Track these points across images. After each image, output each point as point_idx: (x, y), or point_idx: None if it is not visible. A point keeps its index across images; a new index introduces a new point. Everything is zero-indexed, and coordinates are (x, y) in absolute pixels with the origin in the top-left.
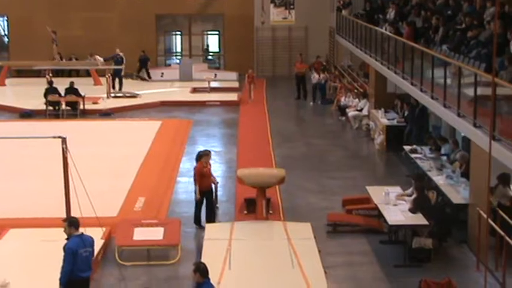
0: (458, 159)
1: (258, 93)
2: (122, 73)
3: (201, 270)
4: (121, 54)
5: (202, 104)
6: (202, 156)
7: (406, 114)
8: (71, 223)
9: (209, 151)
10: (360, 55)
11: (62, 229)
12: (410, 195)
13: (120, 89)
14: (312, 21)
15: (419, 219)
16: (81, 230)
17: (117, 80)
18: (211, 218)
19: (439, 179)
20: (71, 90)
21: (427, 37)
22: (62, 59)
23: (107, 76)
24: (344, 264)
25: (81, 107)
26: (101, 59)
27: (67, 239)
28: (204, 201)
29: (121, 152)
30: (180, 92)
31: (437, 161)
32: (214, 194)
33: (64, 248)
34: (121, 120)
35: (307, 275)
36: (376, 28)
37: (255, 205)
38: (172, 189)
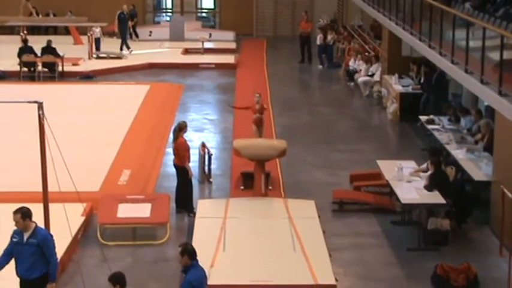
0: (481, 128)
1: (257, 55)
2: (129, 31)
3: (189, 251)
4: (127, 10)
5: (195, 67)
6: (183, 128)
7: (422, 81)
8: (26, 214)
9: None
10: (372, 14)
11: (14, 223)
12: (425, 171)
13: (121, 48)
14: None
15: (435, 198)
16: (59, 205)
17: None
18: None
19: (459, 153)
20: (48, 49)
21: None
22: (38, 15)
23: (88, 34)
24: (351, 247)
25: (60, 68)
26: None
27: (31, 234)
28: (180, 182)
29: (104, 120)
30: (170, 53)
31: (456, 133)
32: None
33: (45, 240)
34: (104, 83)
35: (310, 258)
36: None
37: (252, 180)
38: (161, 162)
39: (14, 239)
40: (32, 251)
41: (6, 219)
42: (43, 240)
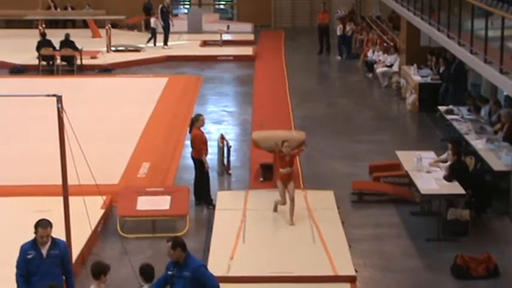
0: (501, 118)
1: (275, 46)
2: (171, 24)
3: (181, 244)
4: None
5: (213, 59)
6: (196, 121)
7: (441, 71)
8: (52, 226)
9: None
10: (390, 4)
11: (40, 238)
12: (445, 161)
13: (165, 43)
14: None
15: (455, 188)
16: (79, 198)
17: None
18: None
19: (478, 143)
20: (67, 43)
21: None
22: (56, 8)
23: (106, 27)
24: (370, 238)
25: (78, 62)
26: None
27: (51, 246)
28: (197, 174)
29: (123, 113)
30: (188, 46)
31: (476, 123)
32: (220, 160)
33: (66, 249)
34: (122, 76)
35: (330, 249)
36: None
37: (271, 171)
38: (180, 154)
39: (29, 256)
40: (55, 262)
41: (27, 212)
42: (65, 250)
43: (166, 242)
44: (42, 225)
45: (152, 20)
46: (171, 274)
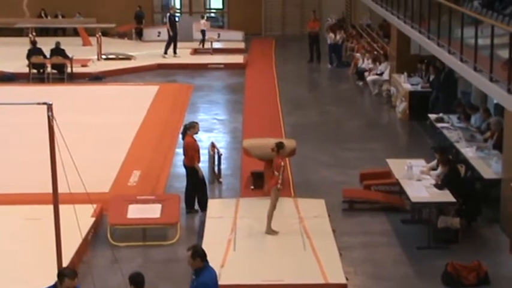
0: (491, 126)
1: (266, 54)
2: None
3: (201, 253)
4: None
5: (204, 67)
6: (190, 128)
7: (431, 79)
8: None
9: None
10: (380, 13)
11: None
12: (435, 169)
13: (174, 51)
14: None
15: (445, 196)
16: (69, 206)
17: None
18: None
19: (468, 151)
20: (57, 51)
21: None
22: (46, 16)
23: (97, 35)
24: (361, 246)
25: (69, 70)
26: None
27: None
28: (190, 183)
29: (113, 121)
30: (179, 54)
31: (466, 131)
32: (211, 168)
33: None
34: (113, 84)
35: (320, 257)
36: None
37: (262, 180)
38: (171, 162)
39: None
40: None
41: (17, 220)
42: None
43: (186, 251)
44: (70, 276)
45: (202, 22)
46: (192, 279)
